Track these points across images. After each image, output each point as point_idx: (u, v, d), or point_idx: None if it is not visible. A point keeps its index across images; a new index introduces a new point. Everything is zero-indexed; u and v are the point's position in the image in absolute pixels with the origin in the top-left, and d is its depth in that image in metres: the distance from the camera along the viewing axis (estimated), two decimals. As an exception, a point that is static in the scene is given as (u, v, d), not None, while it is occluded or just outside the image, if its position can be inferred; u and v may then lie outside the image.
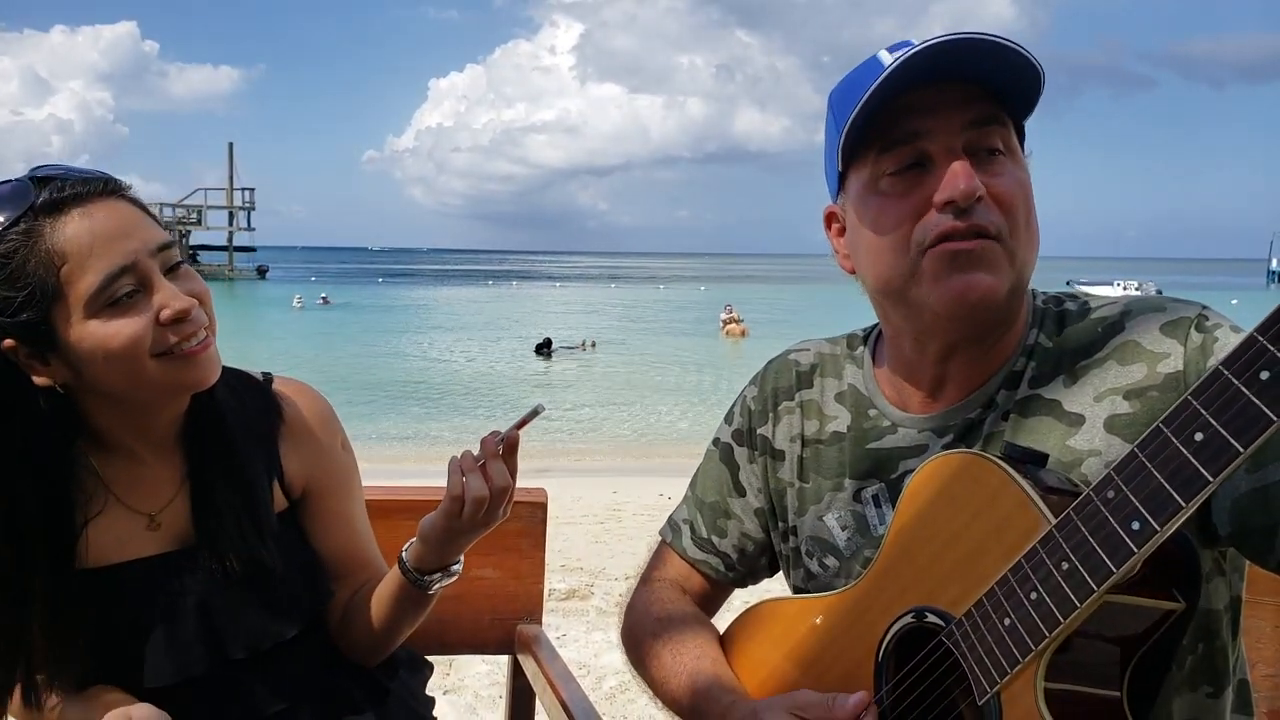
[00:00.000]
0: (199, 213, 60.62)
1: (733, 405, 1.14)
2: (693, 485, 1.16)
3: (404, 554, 1.11)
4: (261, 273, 69.00)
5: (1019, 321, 0.92)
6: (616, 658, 3.34)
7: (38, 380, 0.98)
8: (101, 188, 0.97)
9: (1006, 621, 0.72)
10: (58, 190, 0.95)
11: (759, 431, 1.09)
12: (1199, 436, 0.62)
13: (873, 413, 0.99)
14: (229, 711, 1.08)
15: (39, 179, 0.96)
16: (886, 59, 0.86)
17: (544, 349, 22.06)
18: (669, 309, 40.30)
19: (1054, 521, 0.70)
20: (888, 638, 0.85)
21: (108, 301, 0.94)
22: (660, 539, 1.19)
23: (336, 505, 1.19)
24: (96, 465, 1.05)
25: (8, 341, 0.95)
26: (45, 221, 0.93)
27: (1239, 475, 0.76)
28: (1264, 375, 0.59)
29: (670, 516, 1.18)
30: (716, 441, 1.14)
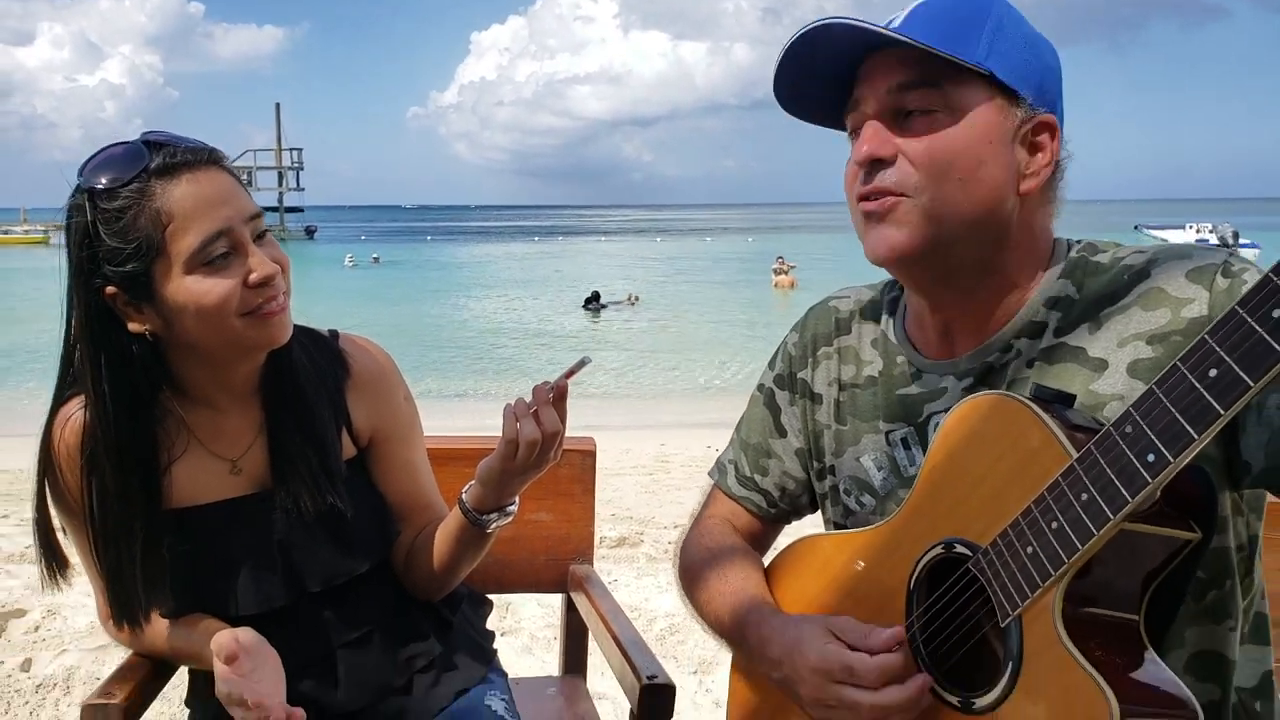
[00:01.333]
0: (249, 174, 61.69)
1: (776, 351, 1.19)
2: (738, 428, 1.22)
3: (464, 495, 1.19)
4: (310, 233, 69.65)
5: (1020, 269, 0.94)
6: (666, 601, 3.44)
7: (132, 327, 1.07)
8: (206, 157, 1.06)
9: (1029, 549, 0.77)
10: (170, 156, 1.04)
11: (799, 375, 1.14)
12: (1213, 372, 0.65)
13: (900, 359, 1.03)
14: (308, 637, 1.18)
15: (151, 144, 1.05)
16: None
17: (591, 303, 22.16)
18: (717, 261, 40.00)
19: (1075, 455, 0.74)
20: (919, 568, 0.90)
21: (204, 260, 1.03)
22: (710, 480, 1.25)
23: (400, 452, 1.28)
24: (182, 413, 1.14)
25: (110, 289, 1.05)
26: (157, 183, 1.02)
27: (1273, 413, 0.79)
28: (1276, 313, 0.62)
29: (718, 458, 1.25)
30: (760, 386, 1.20)
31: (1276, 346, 0.62)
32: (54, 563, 1.15)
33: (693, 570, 1.16)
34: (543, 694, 1.67)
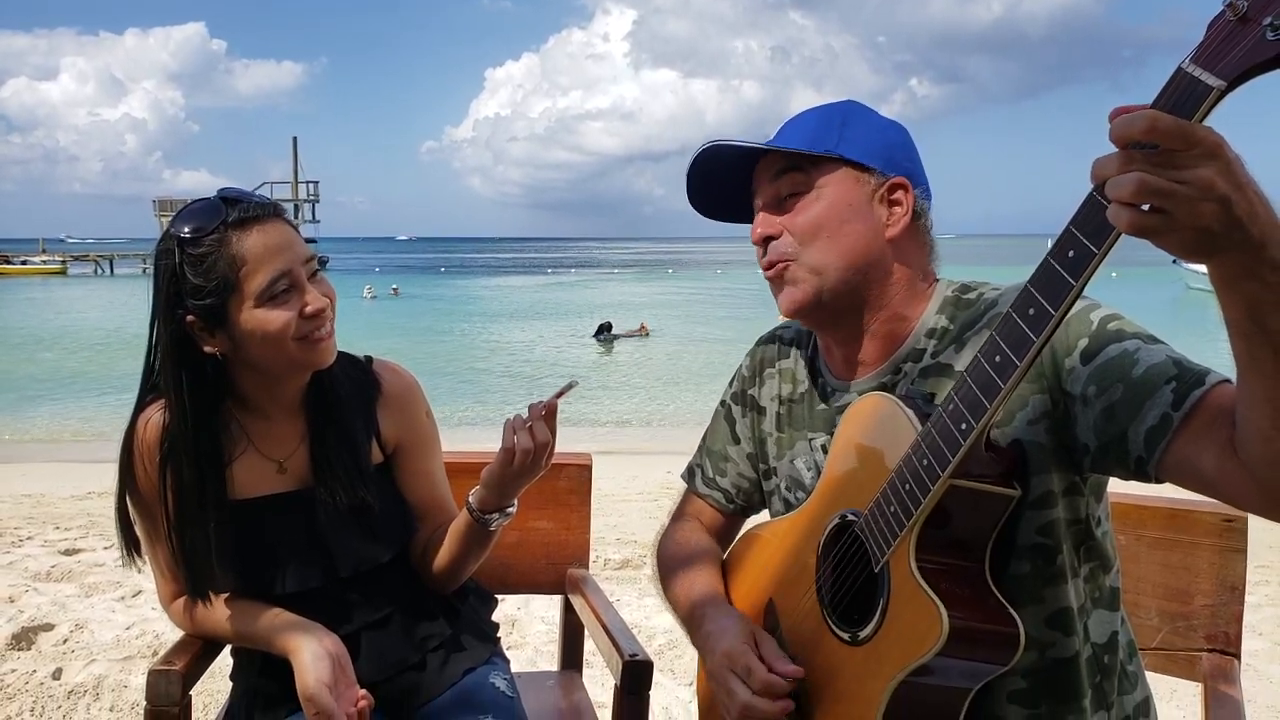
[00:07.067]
0: (268, 207, 62.34)
1: (734, 372, 1.40)
2: (704, 437, 1.44)
3: (470, 498, 1.39)
4: (321, 264, 70.31)
5: (904, 304, 1.14)
6: (665, 620, 3.60)
7: (206, 349, 1.28)
8: (272, 211, 1.28)
9: (891, 508, 0.98)
10: (243, 211, 1.25)
11: (749, 392, 1.35)
12: (997, 358, 0.85)
13: (821, 380, 1.25)
14: (338, 616, 1.37)
15: (226, 199, 1.26)
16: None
17: (603, 333, 22.41)
18: (727, 294, 40.26)
19: (920, 431, 0.95)
20: (823, 537, 1.11)
21: (269, 296, 1.25)
22: (683, 482, 1.46)
23: (421, 461, 1.48)
24: (240, 420, 1.36)
25: (190, 318, 1.26)
26: (233, 233, 1.24)
27: (1094, 400, 0.95)
28: (1031, 310, 0.82)
29: (689, 462, 1.46)
30: (722, 402, 1.42)
31: (1031, 334, 0.82)
32: (130, 544, 1.35)
33: (664, 569, 1.38)
34: (542, 685, 1.85)
